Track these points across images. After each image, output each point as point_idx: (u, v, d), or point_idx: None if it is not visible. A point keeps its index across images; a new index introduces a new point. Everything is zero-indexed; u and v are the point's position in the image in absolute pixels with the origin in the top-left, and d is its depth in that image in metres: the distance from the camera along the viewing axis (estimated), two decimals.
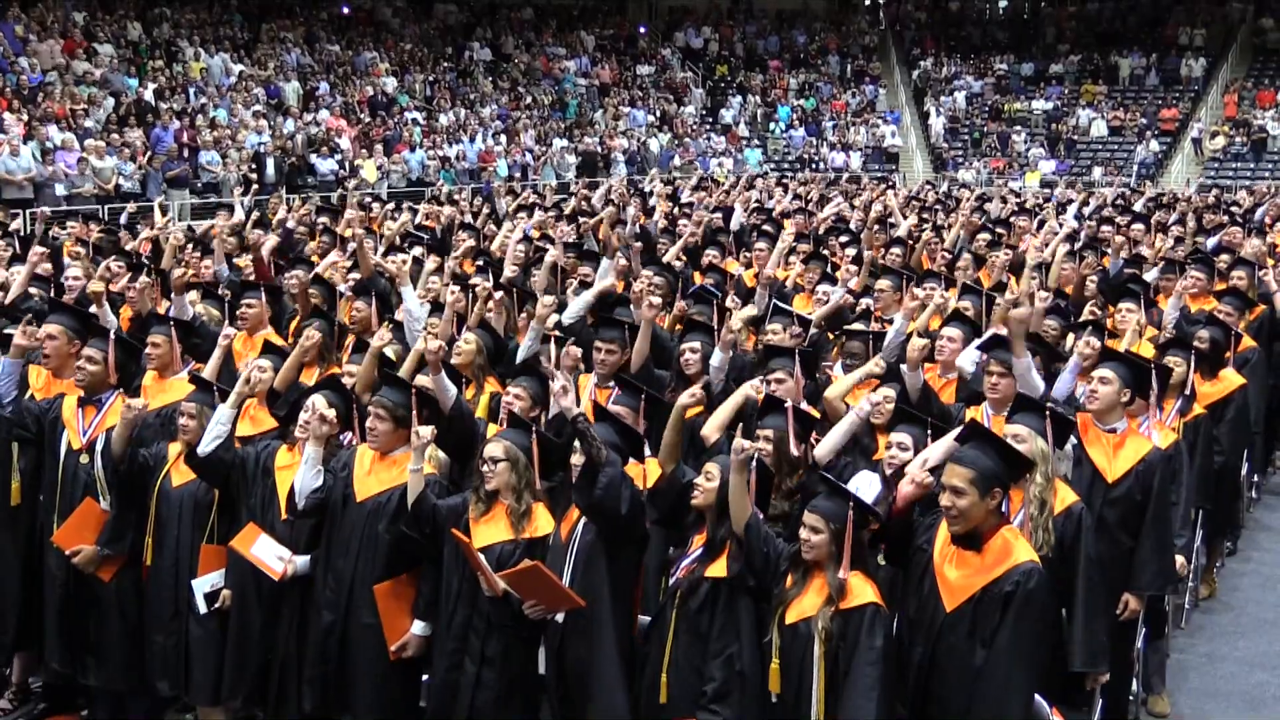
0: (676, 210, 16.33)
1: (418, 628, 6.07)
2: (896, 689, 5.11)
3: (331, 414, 6.23)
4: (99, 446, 6.80)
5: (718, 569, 5.44)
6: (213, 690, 6.53)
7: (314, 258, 12.40)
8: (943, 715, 5.12)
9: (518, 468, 5.90)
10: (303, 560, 6.30)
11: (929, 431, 6.11)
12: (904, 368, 7.28)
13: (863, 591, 5.06)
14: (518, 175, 29.85)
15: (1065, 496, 5.96)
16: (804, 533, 5.16)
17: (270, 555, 6.24)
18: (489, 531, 5.89)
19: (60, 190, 21.08)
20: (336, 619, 6.17)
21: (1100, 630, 5.89)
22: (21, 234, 15.00)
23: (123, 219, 16.89)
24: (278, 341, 8.63)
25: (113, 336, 7.07)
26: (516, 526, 5.88)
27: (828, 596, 5.07)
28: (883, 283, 10.05)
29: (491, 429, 6.88)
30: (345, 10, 35.76)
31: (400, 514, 6.01)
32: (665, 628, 5.54)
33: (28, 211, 19.74)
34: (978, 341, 8.03)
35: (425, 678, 6.21)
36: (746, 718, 5.30)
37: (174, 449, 6.68)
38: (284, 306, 9.80)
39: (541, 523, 5.94)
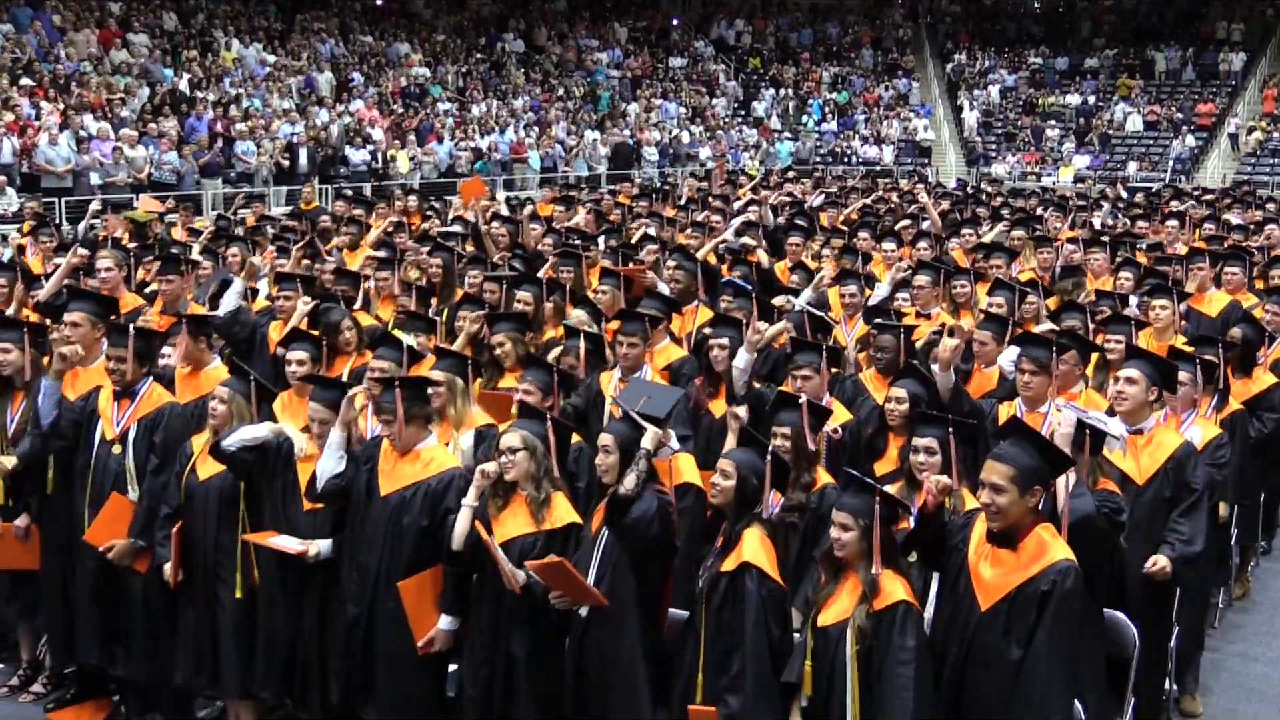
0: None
1: (444, 622, 6.02)
2: (932, 688, 5.06)
3: (361, 400, 6.24)
4: (131, 437, 6.87)
5: (731, 563, 5.44)
6: (241, 682, 6.56)
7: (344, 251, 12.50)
8: (979, 714, 5.08)
9: (536, 456, 5.89)
10: (326, 543, 6.30)
11: (950, 430, 6.06)
12: (935, 367, 7.25)
13: (894, 590, 5.02)
14: (549, 167, 29.89)
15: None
16: (834, 531, 5.14)
17: (290, 542, 6.28)
18: (510, 524, 5.88)
19: (95, 179, 21.24)
20: (361, 612, 6.17)
21: None
22: (57, 223, 15.14)
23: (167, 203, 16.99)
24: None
25: (132, 331, 7.07)
26: (537, 516, 5.86)
27: (861, 595, 5.03)
28: (920, 278, 10.01)
29: None
30: (378, 1, 35.88)
31: (423, 510, 6.03)
32: (698, 627, 5.53)
33: (62, 201, 19.94)
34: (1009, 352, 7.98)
35: (452, 668, 6.22)
36: (757, 707, 5.26)
37: (199, 441, 6.70)
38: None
39: (562, 512, 5.91)
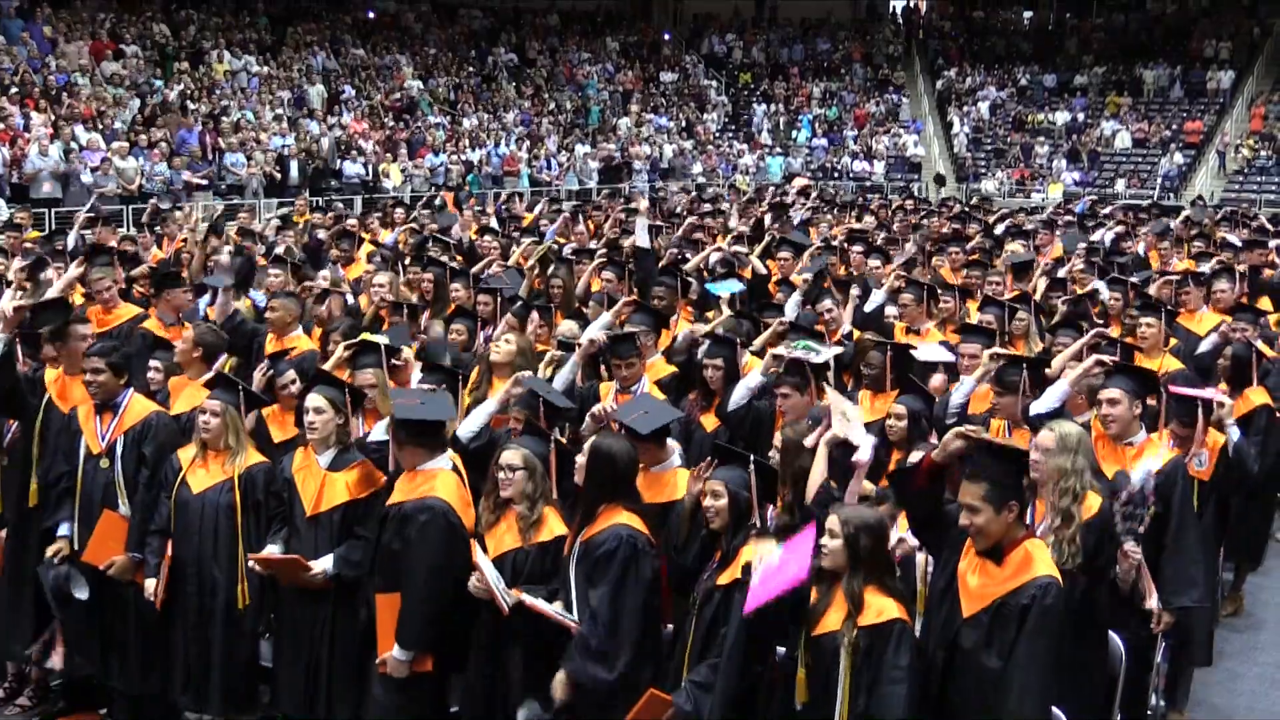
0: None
1: (397, 652, 5.91)
2: (922, 705, 5.06)
3: None
4: (119, 450, 6.85)
5: (728, 577, 5.45)
6: (225, 701, 6.56)
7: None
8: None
9: (535, 477, 5.90)
10: (328, 560, 6.25)
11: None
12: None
13: (886, 607, 4.99)
14: (541, 181, 29.91)
15: (1092, 505, 5.87)
16: (824, 539, 5.10)
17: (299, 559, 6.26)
18: (500, 540, 5.91)
19: (87, 179, 21.22)
20: (364, 616, 6.20)
21: None
22: (48, 233, 15.11)
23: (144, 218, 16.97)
24: (307, 345, 8.79)
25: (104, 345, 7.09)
26: (525, 535, 5.87)
27: (849, 609, 5.01)
28: (905, 295, 10.04)
29: None
30: (370, 14, 35.90)
31: (395, 533, 5.95)
32: (686, 637, 5.56)
33: (52, 211, 19.91)
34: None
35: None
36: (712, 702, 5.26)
37: (186, 454, 6.68)
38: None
39: (552, 524, 5.93)
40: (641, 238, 11.88)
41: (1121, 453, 6.79)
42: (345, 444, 6.46)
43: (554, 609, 5.65)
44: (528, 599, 5.64)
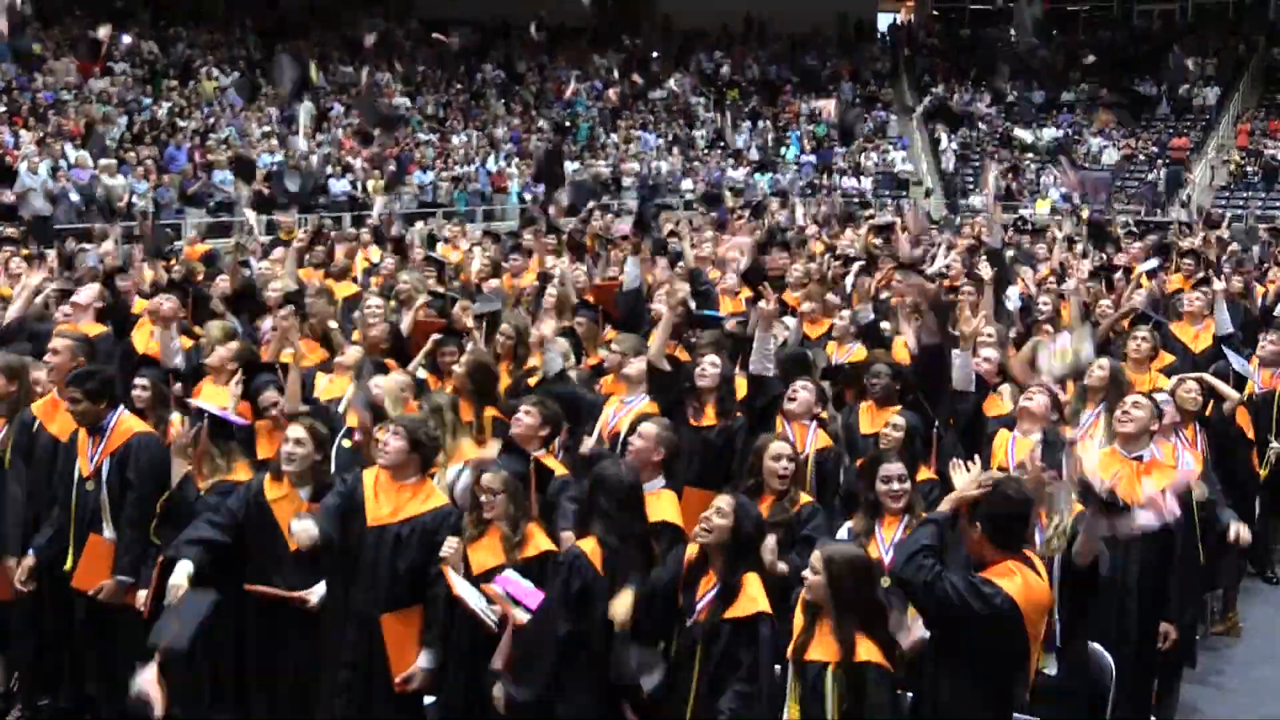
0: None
1: (424, 660, 5.93)
2: None
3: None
4: (104, 473, 6.80)
5: (740, 610, 5.28)
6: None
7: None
8: None
9: (516, 499, 5.93)
10: (320, 588, 6.19)
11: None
12: None
13: (869, 650, 4.87)
14: (529, 198, 29.88)
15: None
16: (807, 572, 5.00)
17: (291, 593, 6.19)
18: (483, 556, 5.91)
19: (75, 196, 21.17)
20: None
21: None
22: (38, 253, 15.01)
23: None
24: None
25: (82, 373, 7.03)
26: (509, 554, 5.88)
27: (838, 650, 4.84)
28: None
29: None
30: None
31: (417, 547, 5.94)
32: (689, 672, 5.38)
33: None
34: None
35: (429, 700, 6.17)
36: None
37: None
38: None
39: (538, 540, 5.96)
40: (631, 276, 10.54)
41: (1130, 466, 6.80)
42: (323, 481, 6.39)
43: (476, 605, 5.67)
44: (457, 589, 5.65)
